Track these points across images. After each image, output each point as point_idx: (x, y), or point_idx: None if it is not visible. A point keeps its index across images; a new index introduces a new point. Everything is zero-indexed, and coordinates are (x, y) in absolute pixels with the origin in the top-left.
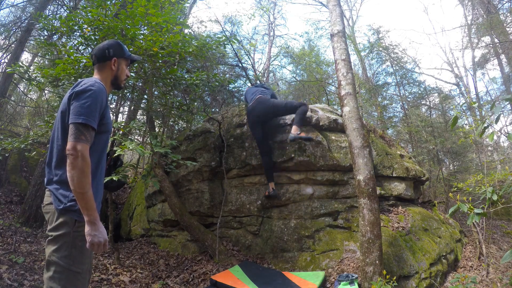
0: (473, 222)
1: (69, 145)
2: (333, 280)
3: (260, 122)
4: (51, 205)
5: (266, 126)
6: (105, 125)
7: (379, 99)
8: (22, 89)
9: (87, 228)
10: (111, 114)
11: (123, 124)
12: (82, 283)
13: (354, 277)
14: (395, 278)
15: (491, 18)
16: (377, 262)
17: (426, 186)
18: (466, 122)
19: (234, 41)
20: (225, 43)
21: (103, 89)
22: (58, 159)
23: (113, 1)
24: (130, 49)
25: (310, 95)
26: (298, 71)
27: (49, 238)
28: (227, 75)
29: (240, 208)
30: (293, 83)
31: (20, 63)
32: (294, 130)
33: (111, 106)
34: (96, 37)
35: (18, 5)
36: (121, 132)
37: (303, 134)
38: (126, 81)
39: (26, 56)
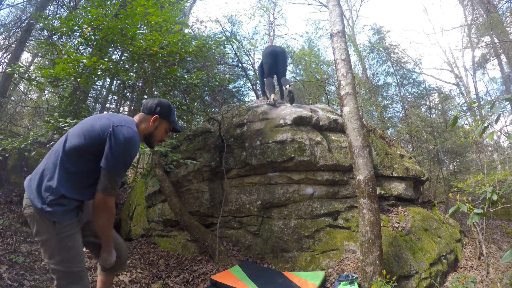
0: (473, 222)
1: (99, 197)
2: (333, 280)
3: (276, 60)
4: (30, 207)
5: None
6: None
7: (379, 99)
8: (22, 89)
9: (103, 254)
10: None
11: None
12: (86, 278)
13: (354, 277)
14: (395, 278)
15: (491, 18)
16: (377, 262)
17: (426, 186)
18: (466, 122)
19: (234, 41)
20: (225, 43)
21: (138, 143)
22: (53, 174)
23: (113, 1)
24: (130, 49)
25: (310, 95)
26: (298, 71)
27: (39, 244)
28: (227, 75)
29: (240, 208)
30: (292, 83)
31: (20, 63)
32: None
33: (111, 106)
34: (96, 37)
35: (18, 5)
36: None
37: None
38: (159, 144)
39: (26, 56)
